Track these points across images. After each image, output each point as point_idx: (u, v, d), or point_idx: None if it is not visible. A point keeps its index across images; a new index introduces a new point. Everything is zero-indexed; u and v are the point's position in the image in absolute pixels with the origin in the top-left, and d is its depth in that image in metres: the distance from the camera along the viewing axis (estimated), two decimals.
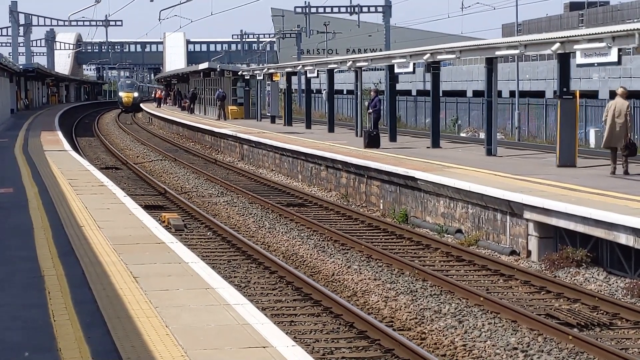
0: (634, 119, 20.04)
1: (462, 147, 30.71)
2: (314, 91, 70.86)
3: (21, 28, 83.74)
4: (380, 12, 75.03)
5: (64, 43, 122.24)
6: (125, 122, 74.22)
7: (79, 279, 10.48)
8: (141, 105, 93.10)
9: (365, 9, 74.07)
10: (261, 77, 51.55)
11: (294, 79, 65.01)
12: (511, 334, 12.03)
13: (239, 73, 55.40)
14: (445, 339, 11.97)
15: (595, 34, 20.02)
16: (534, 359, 11.15)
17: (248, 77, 54.17)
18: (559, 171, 21.23)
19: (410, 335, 12.16)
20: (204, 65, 61.82)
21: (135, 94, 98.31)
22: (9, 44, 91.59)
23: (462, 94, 61.92)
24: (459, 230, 19.39)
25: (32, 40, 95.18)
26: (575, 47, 20.83)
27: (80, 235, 13.45)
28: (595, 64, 21.76)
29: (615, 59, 19.78)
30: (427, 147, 29.46)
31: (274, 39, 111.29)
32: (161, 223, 19.10)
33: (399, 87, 36.70)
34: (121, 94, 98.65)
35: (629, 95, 20.72)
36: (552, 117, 38.51)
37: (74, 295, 9.68)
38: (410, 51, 30.16)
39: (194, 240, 18.75)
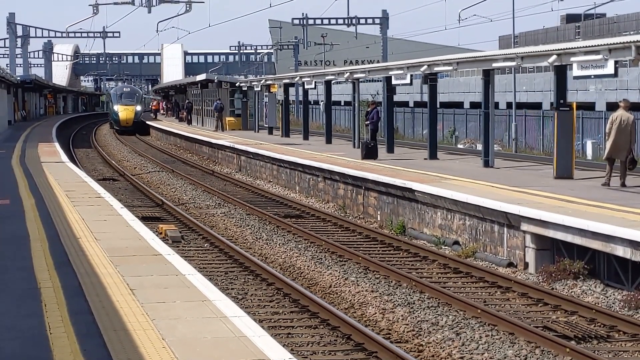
0: (635, 131, 20.02)
1: (460, 159, 30.73)
2: (312, 102, 70.91)
3: (19, 39, 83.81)
4: (377, 23, 75.19)
5: (62, 54, 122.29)
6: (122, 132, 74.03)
7: (75, 291, 10.46)
8: (149, 123, 71.16)
9: (362, 21, 74.21)
10: (259, 89, 51.60)
11: (292, 90, 65.05)
12: (508, 347, 12.01)
13: (237, 84, 55.45)
14: (443, 351, 11.96)
15: (592, 46, 20.06)
16: None
17: (246, 89, 54.21)
18: (556, 183, 21.24)
19: (407, 348, 12.14)
20: (201, 77, 61.88)
21: (138, 108, 71.88)
22: (6, 56, 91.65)
23: (459, 105, 62.00)
24: (456, 242, 19.38)
25: (29, 52, 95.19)
26: (572, 59, 20.87)
27: (77, 246, 13.43)
28: (592, 76, 21.80)
29: (612, 71, 19.82)
30: (425, 159, 29.47)
31: (272, 51, 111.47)
32: (158, 235, 19.09)
33: (396, 98, 36.72)
34: (117, 107, 70.75)
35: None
36: (549, 129, 38.55)
37: (70, 307, 9.66)
38: (408, 63, 30.20)
39: (191, 252, 18.73)
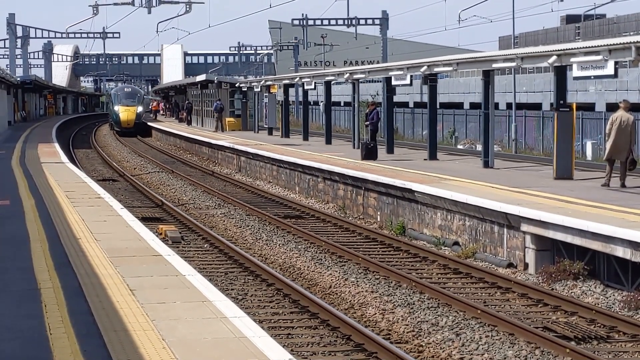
0: (635, 132, 20.01)
1: (459, 159, 30.73)
2: (312, 103, 70.90)
3: (19, 40, 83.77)
4: (377, 24, 75.14)
5: (62, 55, 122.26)
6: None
7: (75, 291, 10.46)
8: (150, 124, 69.16)
9: (362, 21, 74.17)
10: (259, 89, 51.60)
11: (292, 90, 65.06)
12: (508, 347, 12.01)
13: (237, 85, 55.46)
14: (443, 351, 11.96)
15: (592, 46, 20.06)
16: None
17: (245, 89, 54.23)
18: (555, 183, 21.24)
19: (407, 348, 12.14)
20: (201, 77, 61.89)
21: (139, 109, 69.34)
22: (6, 56, 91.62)
23: (459, 106, 62.02)
24: (456, 243, 19.38)
25: (29, 53, 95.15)
26: (572, 59, 20.87)
27: (77, 247, 13.44)
28: (592, 77, 21.80)
29: (612, 72, 19.82)
30: (424, 159, 29.47)
31: (272, 51, 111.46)
32: (158, 235, 19.09)
33: (396, 99, 36.74)
34: (118, 108, 68.58)
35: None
36: (548, 130, 38.56)
37: (70, 308, 9.66)
38: (408, 63, 30.21)
39: (191, 253, 18.74)
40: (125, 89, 72.60)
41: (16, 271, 11.72)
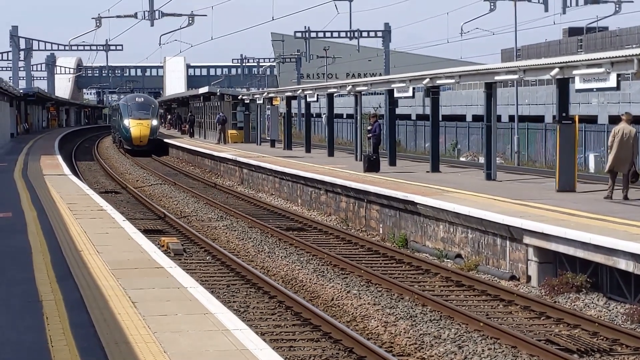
0: (638, 144, 19.96)
1: (462, 172, 30.72)
2: (314, 115, 70.97)
3: (22, 52, 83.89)
4: (379, 37, 75.25)
5: (65, 67, 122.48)
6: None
7: (77, 304, 10.44)
8: (168, 141, 58.82)
9: (364, 34, 74.29)
10: (261, 101, 51.65)
11: (294, 103, 65.14)
12: None
13: (239, 97, 55.52)
14: None
15: (594, 59, 20.07)
16: None
17: (248, 101, 54.28)
18: (558, 196, 21.22)
19: None
20: (204, 90, 61.93)
21: (154, 122, 58.43)
22: (9, 69, 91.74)
23: (461, 118, 62.05)
24: (458, 255, 19.35)
25: (32, 65, 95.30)
26: (574, 72, 20.88)
27: (79, 259, 13.43)
28: (594, 89, 21.80)
29: (614, 85, 19.82)
30: (427, 172, 29.46)
31: (274, 64, 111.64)
32: (160, 247, 19.08)
33: (398, 111, 36.80)
34: (128, 122, 57.56)
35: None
36: (551, 142, 38.56)
37: (71, 320, 9.64)
38: (410, 76, 30.22)
39: (193, 265, 18.72)
40: (137, 99, 60.79)
41: (18, 283, 11.71)
